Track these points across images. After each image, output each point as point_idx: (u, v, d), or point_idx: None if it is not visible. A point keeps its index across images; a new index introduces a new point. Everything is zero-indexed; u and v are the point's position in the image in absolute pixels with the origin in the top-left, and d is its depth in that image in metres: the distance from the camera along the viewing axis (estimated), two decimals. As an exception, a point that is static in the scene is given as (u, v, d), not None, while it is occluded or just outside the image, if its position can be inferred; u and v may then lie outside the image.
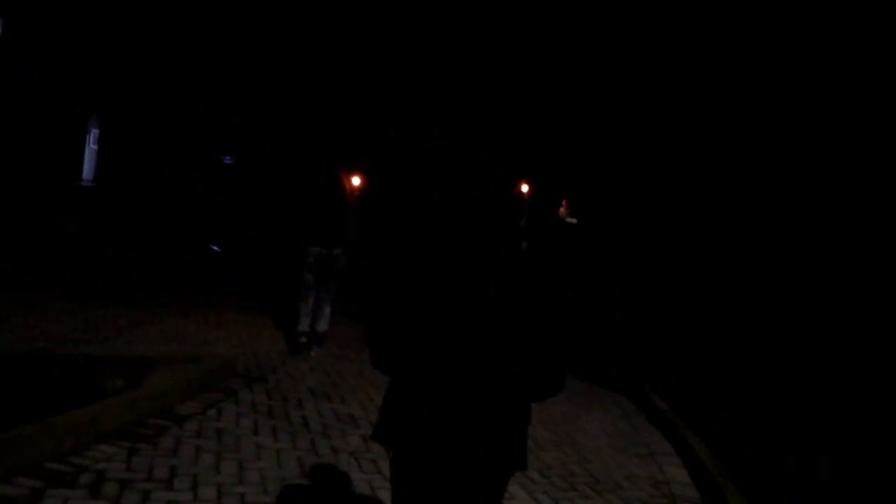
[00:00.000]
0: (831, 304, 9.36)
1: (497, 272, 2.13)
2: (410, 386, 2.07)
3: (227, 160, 23.24)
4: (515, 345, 2.04)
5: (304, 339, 6.55)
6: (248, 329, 7.42)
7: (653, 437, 5.70)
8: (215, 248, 13.88)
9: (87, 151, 22.81)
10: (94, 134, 23.06)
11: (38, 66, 22.42)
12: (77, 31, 21.17)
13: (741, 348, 8.78)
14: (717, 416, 5.95)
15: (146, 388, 4.63)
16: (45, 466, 3.38)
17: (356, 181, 7.89)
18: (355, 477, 3.96)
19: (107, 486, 3.34)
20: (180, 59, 20.28)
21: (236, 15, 19.68)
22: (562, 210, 5.68)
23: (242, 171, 21.21)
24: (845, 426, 6.07)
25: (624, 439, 5.52)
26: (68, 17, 21.26)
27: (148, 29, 20.34)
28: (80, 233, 13.54)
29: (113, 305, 7.50)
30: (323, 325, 6.74)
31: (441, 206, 2.29)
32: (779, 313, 9.57)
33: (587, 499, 4.19)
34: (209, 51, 19.71)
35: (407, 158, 16.57)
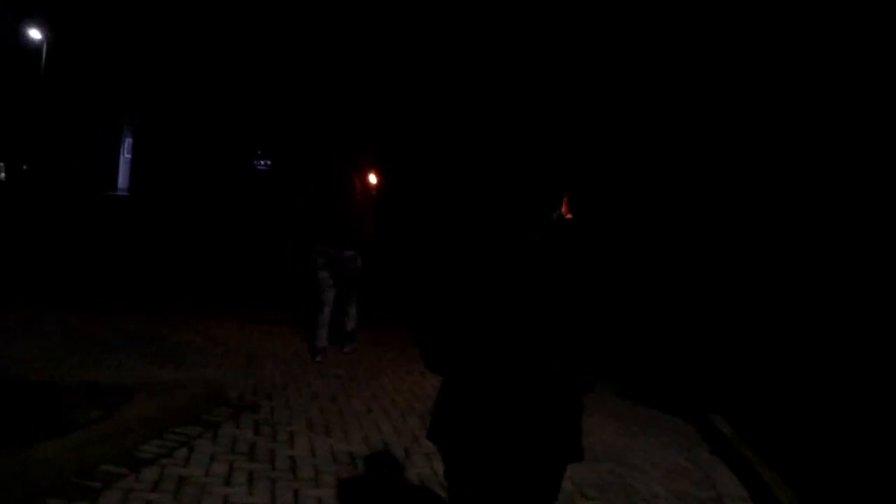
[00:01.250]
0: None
1: (543, 273, 2.17)
2: (463, 385, 2.16)
3: (262, 165, 22.91)
4: (562, 340, 2.12)
5: (319, 359, 6.36)
6: (260, 344, 6.72)
7: (720, 476, 4.72)
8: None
9: (121, 161, 22.80)
10: (127, 143, 23.03)
11: (75, 77, 22.53)
12: (112, 40, 21.13)
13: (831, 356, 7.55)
14: (803, 448, 4.94)
15: (104, 425, 3.91)
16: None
17: (373, 179, 7.20)
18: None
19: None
20: (211, 65, 19.99)
21: (265, 24, 19.36)
22: (563, 208, 4.94)
23: (277, 176, 20.83)
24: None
25: (684, 478, 4.57)
26: (103, 28, 21.24)
27: (179, 37, 20.13)
28: (111, 243, 13.22)
29: (119, 318, 6.96)
30: (351, 324, 6.70)
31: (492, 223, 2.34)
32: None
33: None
34: (240, 57, 19.37)
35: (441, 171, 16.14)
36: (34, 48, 28.37)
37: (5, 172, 24.45)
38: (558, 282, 2.16)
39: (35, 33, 27.57)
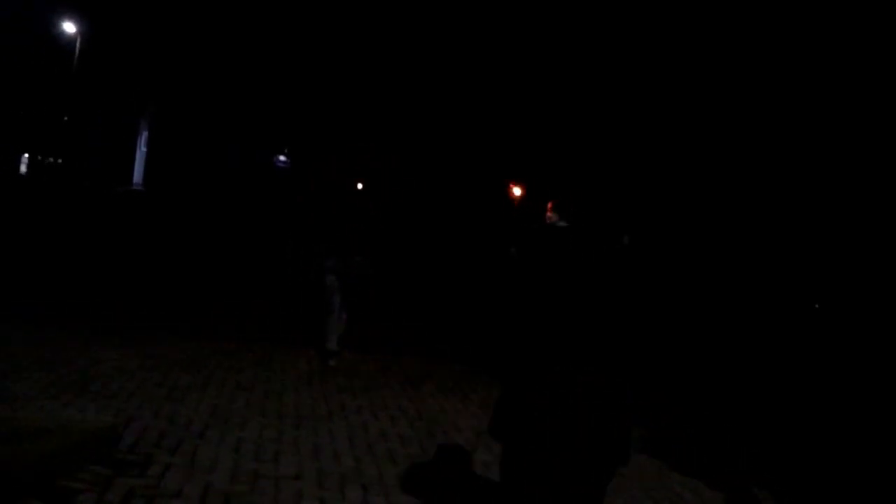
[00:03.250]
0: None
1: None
2: (525, 387, 2.36)
3: (281, 163, 21.91)
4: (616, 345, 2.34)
5: (333, 363, 6.33)
6: (210, 370, 5.56)
7: None
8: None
9: (137, 154, 22.08)
10: (144, 136, 22.30)
11: (96, 69, 22.01)
12: (130, 32, 20.51)
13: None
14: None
15: None
16: None
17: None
18: None
19: None
20: (231, 56, 19.13)
21: (282, 19, 18.58)
22: (549, 214, 4.89)
23: (296, 174, 19.91)
24: None
25: None
26: (122, 19, 20.65)
27: (199, 28, 19.36)
28: (103, 242, 12.33)
29: (56, 331, 5.93)
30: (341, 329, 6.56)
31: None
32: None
33: None
34: (257, 50, 18.49)
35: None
36: (66, 41, 28.18)
37: (27, 165, 24.09)
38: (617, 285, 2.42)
39: (69, 27, 27.30)
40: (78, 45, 26.26)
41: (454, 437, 4.66)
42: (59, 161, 24.48)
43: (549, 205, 4.63)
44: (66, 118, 24.26)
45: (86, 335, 6.16)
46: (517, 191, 14.62)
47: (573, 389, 2.24)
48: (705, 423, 6.08)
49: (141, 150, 22.68)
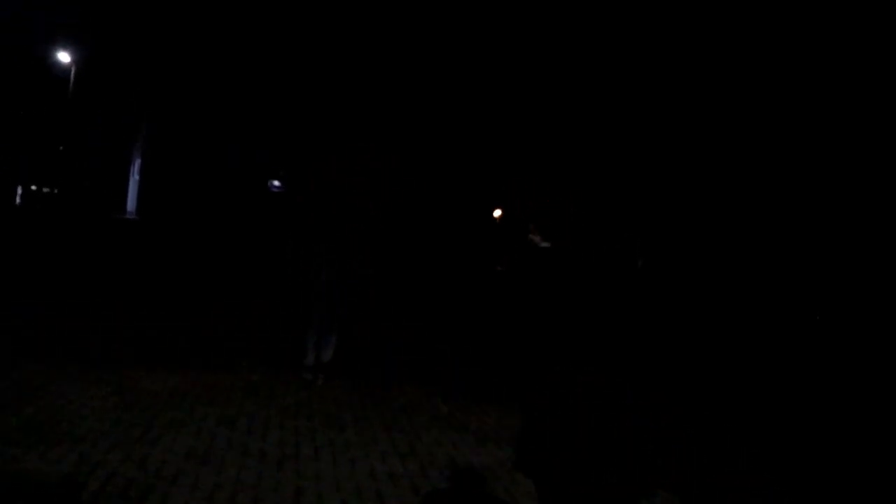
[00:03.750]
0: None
1: None
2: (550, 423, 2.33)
3: (276, 188, 21.74)
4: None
5: (309, 376, 6.19)
6: (186, 403, 5.24)
7: None
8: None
9: (130, 182, 21.89)
10: (137, 164, 22.14)
11: (89, 96, 21.93)
12: (125, 57, 20.44)
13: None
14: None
15: None
16: None
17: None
18: None
19: None
20: (222, 81, 19.00)
21: (276, 39, 18.50)
22: (532, 235, 5.38)
23: (291, 197, 19.73)
24: None
25: None
26: (116, 44, 20.60)
27: (189, 52, 19.26)
28: (112, 269, 12.03)
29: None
30: (327, 354, 6.28)
31: None
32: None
33: None
34: (252, 72, 18.36)
35: None
36: (60, 71, 28.12)
37: (20, 196, 23.89)
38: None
39: (64, 57, 27.25)
40: (73, 74, 26.24)
41: (449, 476, 4.33)
42: (54, 191, 24.35)
43: (532, 227, 5.23)
44: (61, 148, 24.21)
45: (63, 366, 5.85)
46: (497, 212, 14.73)
47: (573, 389, 2.27)
48: (705, 423, 5.96)
49: (134, 178, 22.52)
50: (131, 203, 22.25)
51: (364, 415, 5.54)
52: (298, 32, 17.81)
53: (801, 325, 9.75)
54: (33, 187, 23.38)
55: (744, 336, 9.21)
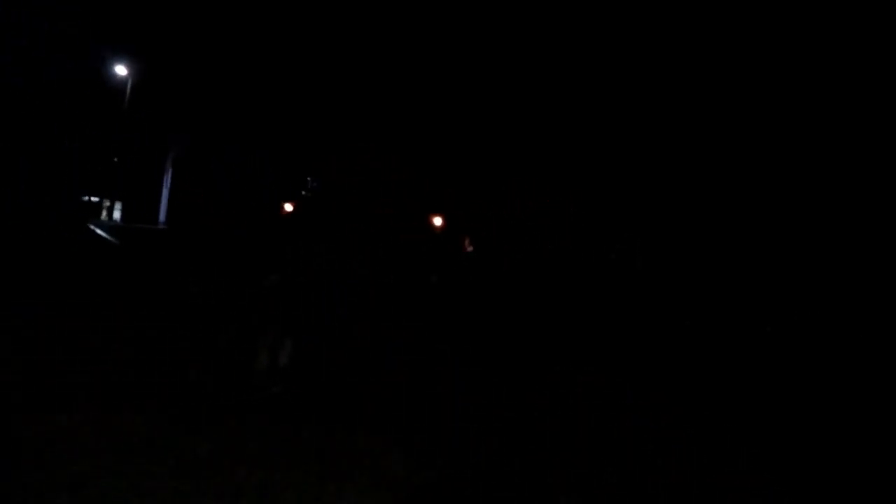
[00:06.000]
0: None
1: None
2: None
3: (313, 186, 21.58)
4: None
5: (259, 382, 5.81)
6: (169, 440, 4.86)
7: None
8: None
9: (163, 194, 22.00)
10: (168, 176, 22.29)
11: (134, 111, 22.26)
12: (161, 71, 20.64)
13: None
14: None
15: None
16: None
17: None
18: None
19: None
20: (250, 91, 19.01)
21: (299, 50, 18.52)
22: (467, 245, 5.51)
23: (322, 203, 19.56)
24: None
25: None
26: (153, 58, 20.83)
27: (217, 63, 19.36)
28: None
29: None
30: (284, 358, 5.94)
31: None
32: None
33: None
34: (279, 81, 18.33)
35: None
36: (117, 84, 28.58)
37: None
38: None
39: (121, 69, 27.68)
40: (129, 86, 26.62)
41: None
42: (96, 199, 24.66)
43: (465, 239, 5.12)
44: (115, 159, 24.52)
45: (40, 396, 5.48)
46: (438, 220, 14.86)
47: (573, 389, 2.06)
48: (705, 423, 6.05)
49: (165, 189, 22.70)
50: (163, 214, 22.45)
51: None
52: (308, 48, 18.00)
53: (800, 325, 9.80)
54: (84, 197, 23.84)
55: (744, 336, 9.21)
